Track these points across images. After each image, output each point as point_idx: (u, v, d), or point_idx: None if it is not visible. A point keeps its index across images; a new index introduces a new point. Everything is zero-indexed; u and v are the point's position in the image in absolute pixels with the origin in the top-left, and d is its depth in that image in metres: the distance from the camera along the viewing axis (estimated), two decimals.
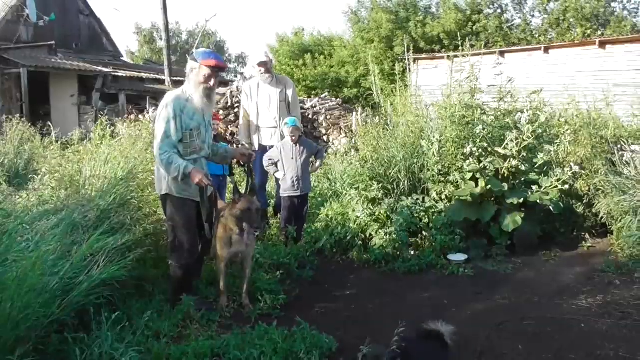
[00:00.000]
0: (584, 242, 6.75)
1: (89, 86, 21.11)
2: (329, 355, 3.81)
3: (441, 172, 7.05)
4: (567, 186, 6.58)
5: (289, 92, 7.30)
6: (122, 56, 30.65)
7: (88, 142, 6.95)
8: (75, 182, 5.29)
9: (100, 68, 21.73)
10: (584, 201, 6.90)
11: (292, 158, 6.55)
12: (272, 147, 6.88)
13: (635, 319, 4.38)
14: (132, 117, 13.67)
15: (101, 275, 3.85)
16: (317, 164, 7.04)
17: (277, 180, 6.81)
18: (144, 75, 23.65)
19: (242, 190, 4.82)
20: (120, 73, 22.25)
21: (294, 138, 6.50)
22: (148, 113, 14.73)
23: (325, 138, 11.68)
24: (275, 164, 6.64)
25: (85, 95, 21.17)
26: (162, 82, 21.38)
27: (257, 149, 7.21)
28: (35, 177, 6.35)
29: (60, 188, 5.32)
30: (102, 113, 12.85)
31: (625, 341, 3.99)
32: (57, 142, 10.00)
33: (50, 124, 10.71)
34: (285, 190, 6.61)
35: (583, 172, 6.84)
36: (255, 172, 6.95)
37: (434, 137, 7.09)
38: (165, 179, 4.35)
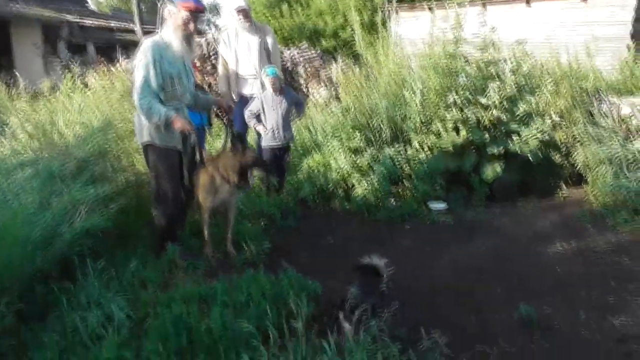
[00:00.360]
0: (560, 191, 6.89)
1: (53, 36, 20.13)
2: (316, 299, 3.86)
3: (423, 122, 7.05)
4: (546, 136, 6.66)
5: (269, 40, 7.11)
6: (88, 3, 29.32)
7: (59, 93, 6.72)
8: (48, 133, 5.13)
9: (65, 16, 20.75)
10: (562, 151, 7.01)
11: (273, 109, 6.46)
12: (252, 96, 6.76)
13: (607, 263, 4.55)
14: (103, 67, 13.19)
15: (83, 226, 3.81)
16: (298, 115, 6.97)
17: (257, 131, 6.73)
18: (113, 24, 22.71)
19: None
20: (88, 22, 21.28)
21: (274, 87, 6.39)
22: (120, 64, 14.24)
23: (304, 89, 11.51)
24: (257, 117, 6.54)
25: (50, 45, 20.25)
26: (132, 31, 20.57)
27: (236, 99, 7.08)
28: (6, 128, 6.14)
29: (33, 139, 5.16)
30: (72, 62, 12.36)
31: (597, 283, 4.15)
32: (26, 93, 9.62)
33: (17, 73, 10.26)
34: (266, 141, 6.55)
35: (562, 122, 6.90)
36: (235, 123, 6.86)
37: (416, 87, 7.05)
38: (147, 128, 4.24)
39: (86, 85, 7.15)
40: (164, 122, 4.11)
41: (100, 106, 5.38)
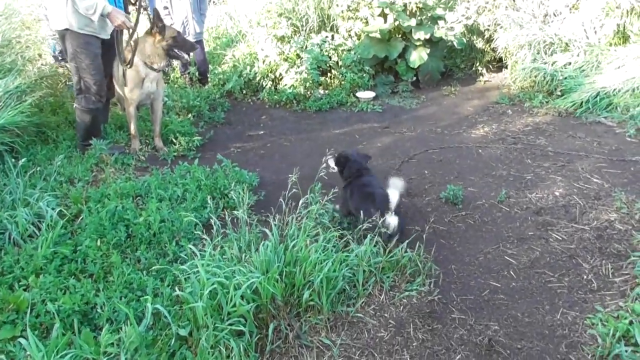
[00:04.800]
0: (481, 77, 7.14)
1: None
2: (252, 190, 3.91)
3: (350, 8, 6.88)
4: (470, 21, 6.75)
5: None
6: None
7: None
8: None
9: None
10: (485, 36, 7.15)
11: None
12: None
13: (524, 143, 4.85)
14: None
15: None
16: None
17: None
18: None
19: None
20: None
21: None
22: None
23: None
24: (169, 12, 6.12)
25: None
26: None
27: None
28: None
29: None
30: None
31: (516, 162, 4.45)
32: None
33: None
34: None
35: (486, 7, 6.97)
36: (151, 12, 6.39)
37: None
38: (64, 12, 3.80)
39: None
40: (97, 15, 3.75)
41: None
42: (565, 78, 5.90)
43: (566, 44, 6.23)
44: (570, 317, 2.59)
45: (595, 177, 4.01)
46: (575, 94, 5.61)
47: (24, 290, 2.56)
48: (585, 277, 2.87)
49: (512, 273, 2.96)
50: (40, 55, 5.09)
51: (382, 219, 2.87)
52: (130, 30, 4.06)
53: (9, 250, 2.90)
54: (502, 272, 2.98)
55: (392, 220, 2.94)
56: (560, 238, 3.25)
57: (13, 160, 3.60)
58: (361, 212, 2.94)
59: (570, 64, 6.04)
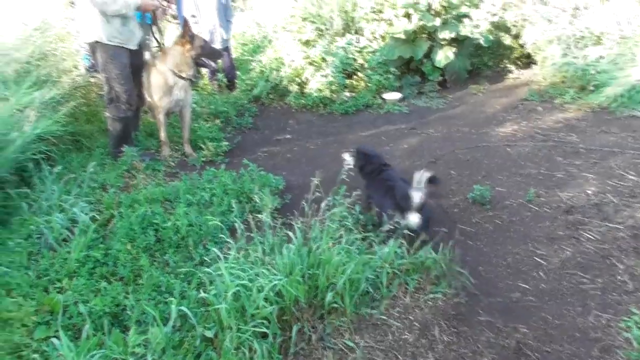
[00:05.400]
0: (510, 74, 7.03)
1: None
2: (277, 193, 3.94)
3: (374, 10, 6.88)
4: (497, 18, 6.65)
5: None
6: None
7: None
8: None
9: None
10: (512, 32, 7.04)
11: (207, 7, 6.18)
12: None
13: (555, 140, 4.75)
14: None
15: (34, 131, 3.68)
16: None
17: None
18: None
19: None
20: None
21: None
22: None
23: None
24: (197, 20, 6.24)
25: None
26: None
27: None
28: None
29: None
30: None
31: (546, 160, 4.36)
32: None
33: None
34: None
35: (512, 2, 6.86)
36: (181, 22, 6.54)
37: None
38: (95, 24, 3.94)
39: None
40: (128, 10, 3.88)
41: (35, 5, 4.94)
42: (598, 72, 5.74)
43: (598, 37, 6.07)
44: (604, 320, 2.52)
45: (631, 174, 3.89)
46: (609, 88, 5.46)
47: (58, 292, 2.65)
48: (619, 277, 2.80)
49: (541, 274, 2.90)
50: (75, 67, 5.25)
51: (405, 217, 2.85)
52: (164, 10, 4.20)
53: (44, 254, 3.01)
54: (531, 273, 2.92)
55: (415, 218, 2.92)
56: (593, 237, 3.17)
57: (49, 168, 3.73)
58: (384, 210, 2.93)
59: (603, 57, 5.89)
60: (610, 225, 3.26)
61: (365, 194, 3.36)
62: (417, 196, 2.91)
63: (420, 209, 2.95)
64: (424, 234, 2.93)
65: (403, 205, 2.92)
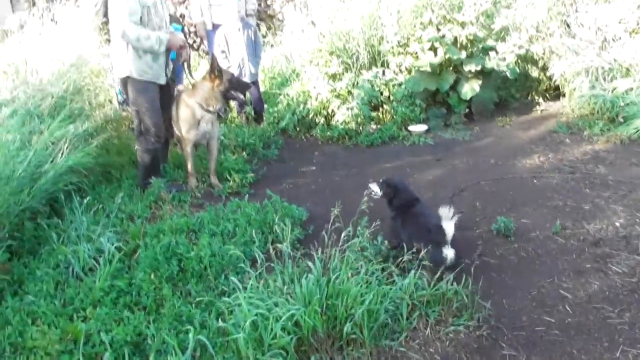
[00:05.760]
0: (537, 106, 6.97)
1: None
2: (301, 224, 3.97)
3: (400, 44, 6.96)
4: (523, 50, 6.65)
5: None
6: None
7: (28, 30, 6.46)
8: (22, 72, 5.00)
9: None
10: (539, 65, 7.02)
11: (236, 42, 6.36)
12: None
13: (583, 172, 4.68)
14: (71, 1, 12.59)
15: (67, 163, 3.83)
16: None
17: None
18: None
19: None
20: None
21: (239, 13, 6.30)
22: None
23: (279, 16, 11.19)
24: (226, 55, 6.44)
25: None
26: None
27: (210, 28, 6.94)
28: None
29: (6, 79, 5.03)
30: None
31: (573, 192, 4.28)
32: None
33: None
34: None
35: (539, 34, 6.86)
36: (210, 56, 6.76)
37: (392, 7, 6.90)
38: (126, 61, 4.15)
39: (54, 21, 6.88)
40: (160, 46, 4.08)
41: (71, 42, 5.19)
42: (627, 104, 5.65)
43: (627, 69, 6.00)
44: (632, 356, 2.44)
45: None
46: (638, 120, 5.37)
47: (82, 321, 2.70)
48: None
49: (567, 308, 2.83)
50: (110, 101, 5.47)
51: (440, 252, 2.86)
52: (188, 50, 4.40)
53: (71, 283, 3.09)
54: (556, 306, 2.85)
55: (450, 252, 2.92)
56: (621, 271, 3.08)
57: (79, 198, 3.86)
58: (416, 243, 2.93)
59: (632, 89, 5.80)
60: (639, 258, 3.17)
61: (391, 226, 3.37)
62: (450, 229, 2.90)
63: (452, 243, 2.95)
64: (454, 267, 2.92)
65: (438, 240, 2.92)
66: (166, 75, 4.40)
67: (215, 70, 4.45)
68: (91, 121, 4.42)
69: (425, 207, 3.41)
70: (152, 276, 3.10)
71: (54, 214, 3.79)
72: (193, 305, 2.84)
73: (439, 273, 2.82)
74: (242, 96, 4.67)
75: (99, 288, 2.93)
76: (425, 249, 2.87)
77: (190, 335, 2.29)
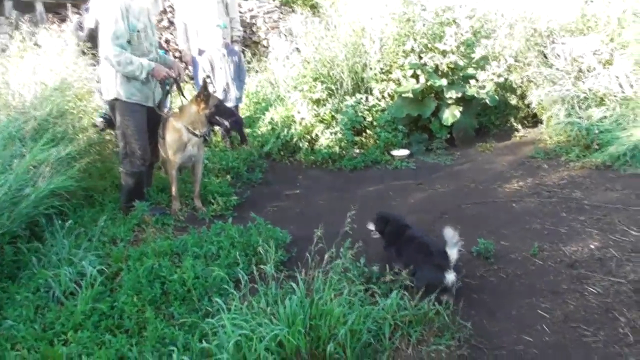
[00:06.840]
0: (516, 133, 7.14)
1: None
2: (284, 247, 3.99)
3: (383, 71, 7.13)
4: (502, 79, 6.84)
5: None
6: None
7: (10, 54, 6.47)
8: (3, 94, 4.98)
9: None
10: (518, 93, 7.21)
11: (221, 68, 6.47)
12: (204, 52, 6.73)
13: (560, 196, 4.78)
14: (55, 26, 12.64)
15: (48, 186, 3.81)
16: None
17: None
18: None
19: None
20: None
21: (224, 40, 6.43)
22: (72, 21, 13.63)
23: (264, 42, 11.36)
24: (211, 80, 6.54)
25: None
26: None
27: (196, 54, 7.03)
28: None
29: None
30: (21, 21, 11.78)
31: (550, 215, 4.38)
32: None
33: None
34: None
35: (517, 64, 7.07)
36: (196, 82, 6.85)
37: (375, 35, 7.08)
38: (114, 83, 4.19)
39: (38, 45, 6.89)
40: (144, 74, 4.10)
41: (55, 66, 5.21)
42: (602, 132, 5.83)
43: (601, 98, 6.20)
44: None
45: (633, 230, 3.90)
46: (612, 147, 5.53)
47: (63, 345, 2.68)
48: (621, 330, 2.78)
49: (545, 327, 2.89)
50: (94, 125, 5.47)
51: (442, 276, 2.91)
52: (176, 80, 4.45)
53: (51, 307, 3.07)
54: (535, 326, 2.91)
55: (451, 276, 2.97)
56: (596, 291, 3.16)
57: (61, 222, 3.84)
58: (418, 268, 3.01)
59: (606, 117, 5.99)
60: (613, 279, 3.25)
61: (388, 255, 3.46)
62: (454, 255, 2.96)
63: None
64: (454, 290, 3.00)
65: (441, 264, 2.97)
66: (154, 100, 4.45)
67: (202, 94, 4.50)
68: (74, 144, 4.40)
69: (417, 231, 3.53)
70: (135, 299, 3.09)
71: (34, 238, 3.75)
72: (176, 327, 2.83)
73: (435, 293, 2.89)
74: (226, 123, 4.71)
75: (80, 311, 2.92)
76: (423, 272, 2.95)
77: (174, 356, 2.29)
